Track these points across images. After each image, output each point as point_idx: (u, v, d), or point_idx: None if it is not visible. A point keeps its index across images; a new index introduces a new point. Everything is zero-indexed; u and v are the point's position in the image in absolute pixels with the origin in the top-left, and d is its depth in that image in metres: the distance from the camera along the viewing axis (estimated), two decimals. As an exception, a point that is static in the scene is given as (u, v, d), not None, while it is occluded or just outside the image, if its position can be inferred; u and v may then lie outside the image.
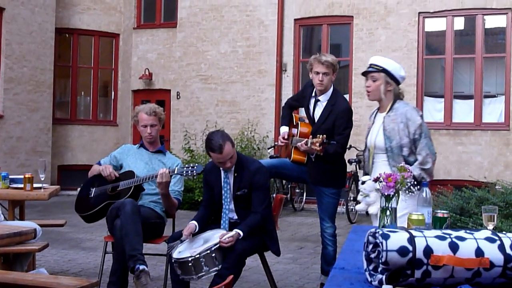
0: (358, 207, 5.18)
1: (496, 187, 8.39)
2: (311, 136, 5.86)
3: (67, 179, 16.33)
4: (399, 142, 5.05)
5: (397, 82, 5.22)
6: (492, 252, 2.52)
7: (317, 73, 5.94)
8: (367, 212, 4.80)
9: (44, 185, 6.41)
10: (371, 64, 5.25)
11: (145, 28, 17.12)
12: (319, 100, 6.09)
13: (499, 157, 13.42)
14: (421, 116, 5.16)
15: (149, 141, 6.20)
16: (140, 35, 17.09)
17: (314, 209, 12.82)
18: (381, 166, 5.11)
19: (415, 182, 4.43)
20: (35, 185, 6.30)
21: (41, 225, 5.83)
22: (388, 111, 5.17)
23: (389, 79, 5.16)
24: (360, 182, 5.20)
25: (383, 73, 5.15)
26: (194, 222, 5.41)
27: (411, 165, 4.97)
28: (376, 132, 5.21)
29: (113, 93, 17.77)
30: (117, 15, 17.51)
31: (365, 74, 5.27)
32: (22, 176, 6.36)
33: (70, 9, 17.09)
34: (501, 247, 2.54)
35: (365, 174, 5.35)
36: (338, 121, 5.95)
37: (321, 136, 5.65)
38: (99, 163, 6.27)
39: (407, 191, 3.86)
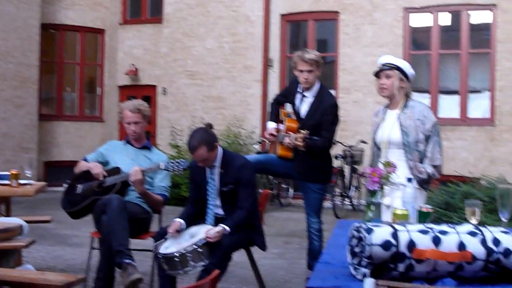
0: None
1: (481, 182, 8.46)
2: (291, 133, 5.89)
3: (53, 175, 16.25)
4: (415, 138, 5.14)
5: (409, 80, 5.31)
6: (474, 246, 2.55)
7: (301, 71, 5.95)
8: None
9: (30, 181, 6.40)
10: (384, 64, 5.32)
11: (131, 24, 17.09)
12: (305, 96, 6.11)
13: (485, 152, 13.50)
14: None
15: (133, 138, 6.20)
16: (126, 30, 17.06)
17: (300, 205, 12.80)
18: (395, 161, 5.17)
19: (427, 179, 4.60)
20: (21, 182, 6.28)
21: (27, 222, 5.80)
22: (403, 108, 5.26)
23: (402, 76, 5.27)
24: None
25: (397, 71, 5.25)
26: (180, 220, 5.41)
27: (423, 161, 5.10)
28: (389, 128, 5.26)
29: (99, 89, 17.71)
30: (103, 10, 17.45)
31: (377, 74, 5.33)
32: (9, 173, 6.33)
33: (55, 4, 17.01)
34: (483, 241, 2.58)
35: None
36: (325, 117, 5.97)
37: (303, 131, 5.68)
38: (85, 159, 6.26)
39: (417, 185, 3.93)
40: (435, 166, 5.12)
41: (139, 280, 5.20)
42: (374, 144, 5.45)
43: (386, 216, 5.13)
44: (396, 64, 5.30)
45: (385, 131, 5.30)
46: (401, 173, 5.16)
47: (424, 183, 5.05)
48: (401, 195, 5.03)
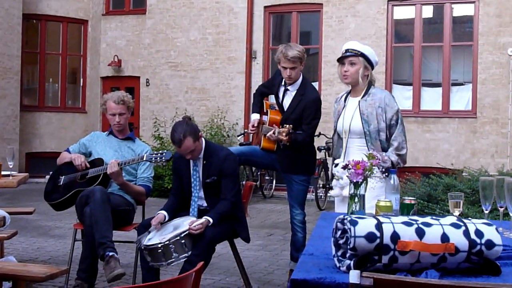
0: (333, 192, 5.23)
1: (463, 174, 8.52)
2: (275, 125, 5.89)
3: (35, 166, 16.19)
4: (376, 126, 5.07)
5: (372, 67, 5.27)
6: (457, 238, 2.56)
7: (285, 68, 5.94)
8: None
9: (12, 172, 6.36)
10: (347, 49, 5.25)
11: (114, 15, 16.99)
12: (288, 90, 6.09)
13: (466, 144, 13.59)
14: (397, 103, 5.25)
15: (118, 129, 6.18)
16: (109, 21, 16.96)
17: (283, 196, 12.87)
18: (356, 151, 5.13)
19: (390, 168, 4.54)
20: (3, 173, 6.23)
21: (9, 213, 5.78)
22: (364, 95, 5.19)
23: (367, 63, 5.19)
24: (333, 165, 5.23)
25: (362, 58, 5.18)
26: (163, 212, 5.41)
27: (386, 150, 5.05)
28: (350, 116, 5.20)
29: (81, 80, 17.63)
30: (85, 1, 17.36)
31: (341, 59, 5.26)
32: (-10, 164, 6.29)
33: (37, -6, 16.91)
34: (466, 233, 2.59)
35: (334, 158, 5.38)
36: (307, 111, 5.95)
37: (287, 126, 5.68)
38: (67, 150, 6.24)
39: (381, 174, 3.91)
40: (399, 155, 5.07)
41: (121, 274, 5.20)
42: (335, 132, 5.41)
43: (344, 208, 5.13)
44: (360, 50, 5.19)
45: (346, 119, 5.22)
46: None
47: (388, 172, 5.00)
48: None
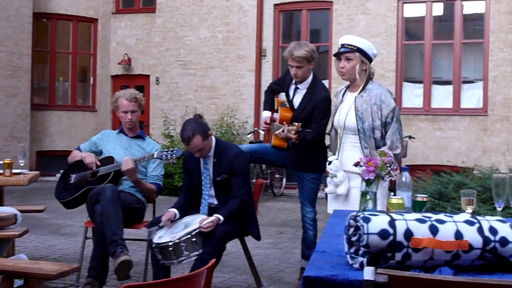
0: (327, 190, 5.22)
1: (474, 172, 8.48)
2: (285, 123, 5.87)
3: (45, 165, 16.23)
4: (371, 124, 5.01)
5: (370, 60, 5.20)
6: (471, 235, 2.55)
7: (291, 66, 5.92)
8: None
9: (23, 170, 6.37)
10: (343, 44, 5.17)
11: (124, 13, 17.00)
12: (298, 88, 6.07)
13: (477, 142, 13.53)
14: (394, 100, 5.14)
15: (129, 127, 6.19)
16: (118, 20, 16.98)
17: (293, 195, 12.86)
18: (350, 147, 5.11)
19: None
20: (14, 171, 6.24)
21: (20, 211, 5.78)
22: (361, 91, 5.12)
23: (363, 58, 5.12)
24: (327, 163, 5.20)
25: (358, 53, 5.10)
26: (174, 210, 5.41)
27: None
28: (346, 112, 5.15)
29: (91, 78, 17.65)
30: (95, -1, 17.39)
31: (337, 55, 5.21)
32: (1, 162, 6.30)
33: (47, -7, 16.95)
34: (480, 230, 2.57)
35: (332, 154, 5.35)
36: (316, 110, 5.92)
37: (296, 124, 5.65)
38: (78, 149, 6.24)
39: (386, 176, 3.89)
40: (394, 155, 5.01)
41: (127, 262, 5.18)
42: (332, 127, 5.37)
43: (336, 206, 5.12)
44: (356, 45, 5.10)
45: (342, 115, 5.17)
46: (355, 161, 5.10)
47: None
48: (356, 184, 5.02)
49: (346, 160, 5.10)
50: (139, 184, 5.88)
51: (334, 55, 5.23)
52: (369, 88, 5.11)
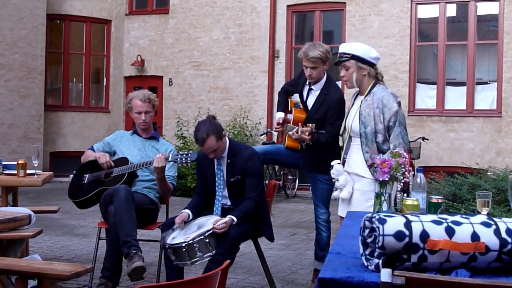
0: (335, 193, 5.22)
1: (488, 173, 8.44)
2: (299, 124, 5.85)
3: (59, 165, 16.27)
4: (373, 128, 4.99)
5: (371, 64, 5.17)
6: (487, 237, 2.53)
7: (306, 67, 5.91)
8: None
9: (37, 171, 6.39)
10: (340, 53, 5.19)
11: (137, 14, 17.04)
12: (312, 89, 6.06)
13: (491, 143, 13.47)
14: (399, 103, 5.07)
15: (143, 127, 6.19)
16: (132, 21, 17.02)
17: (306, 196, 12.86)
18: (356, 150, 5.13)
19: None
20: (28, 172, 6.27)
21: (34, 211, 5.80)
22: (366, 95, 5.12)
23: (360, 64, 5.11)
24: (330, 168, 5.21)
25: (353, 60, 5.11)
26: (187, 211, 5.41)
27: (384, 153, 4.92)
28: (353, 115, 5.18)
29: (105, 79, 17.70)
30: (109, 1, 17.41)
31: (338, 64, 5.22)
32: (15, 162, 6.32)
33: (61, -5, 17.01)
34: (497, 232, 2.55)
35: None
36: (330, 111, 5.90)
37: (310, 125, 5.63)
38: (92, 149, 6.25)
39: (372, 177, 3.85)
40: None
41: (140, 268, 5.18)
42: (345, 130, 5.36)
43: (343, 209, 5.13)
44: (350, 52, 5.11)
45: (349, 118, 5.21)
46: (359, 164, 5.10)
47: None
48: (359, 187, 5.03)
49: (352, 163, 5.15)
50: (163, 181, 5.85)
51: (335, 64, 5.25)
52: (374, 91, 5.10)
